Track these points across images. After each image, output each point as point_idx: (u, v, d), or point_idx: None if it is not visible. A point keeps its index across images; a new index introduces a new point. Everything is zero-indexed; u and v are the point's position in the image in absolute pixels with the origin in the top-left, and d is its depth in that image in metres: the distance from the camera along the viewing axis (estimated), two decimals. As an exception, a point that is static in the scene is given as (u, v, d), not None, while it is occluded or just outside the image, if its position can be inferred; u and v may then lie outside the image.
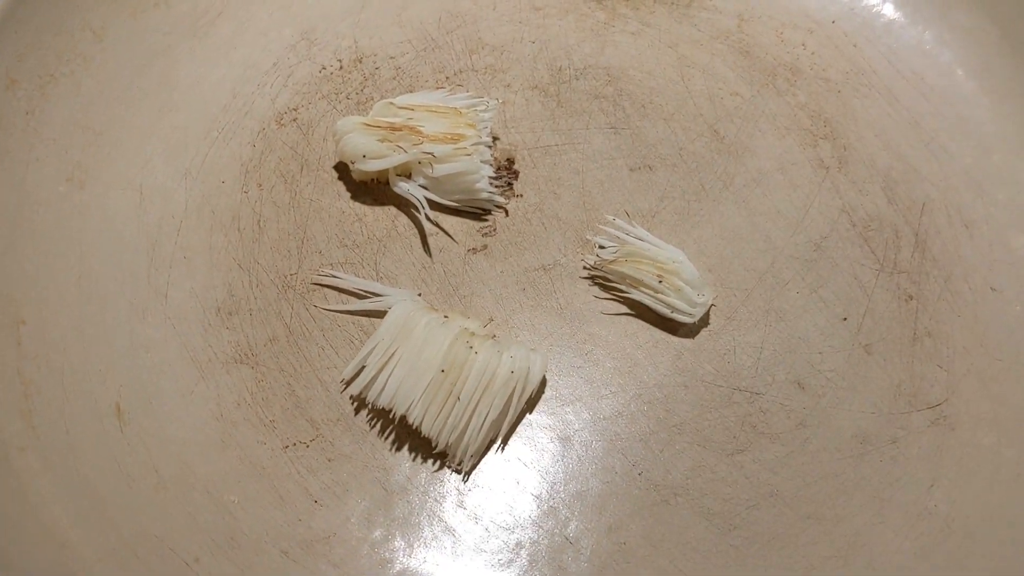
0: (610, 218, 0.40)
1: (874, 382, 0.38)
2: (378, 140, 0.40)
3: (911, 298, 0.40)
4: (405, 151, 0.39)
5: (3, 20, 0.38)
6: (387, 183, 0.41)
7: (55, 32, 0.40)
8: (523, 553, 0.34)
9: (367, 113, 0.42)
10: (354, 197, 0.41)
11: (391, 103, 0.41)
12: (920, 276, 0.40)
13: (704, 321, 0.39)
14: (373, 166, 0.40)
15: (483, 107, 0.41)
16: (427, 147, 0.39)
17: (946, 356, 0.39)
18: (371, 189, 0.41)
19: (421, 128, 0.40)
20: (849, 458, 0.37)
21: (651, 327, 0.39)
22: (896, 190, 0.43)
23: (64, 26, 0.40)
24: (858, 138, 0.44)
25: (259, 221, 0.40)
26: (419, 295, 0.39)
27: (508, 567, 0.34)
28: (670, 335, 0.39)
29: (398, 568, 0.34)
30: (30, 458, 0.32)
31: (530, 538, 0.35)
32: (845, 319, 0.39)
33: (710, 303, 0.38)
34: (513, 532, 0.35)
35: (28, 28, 0.39)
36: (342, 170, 0.42)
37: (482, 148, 0.40)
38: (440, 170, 0.39)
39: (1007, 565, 0.34)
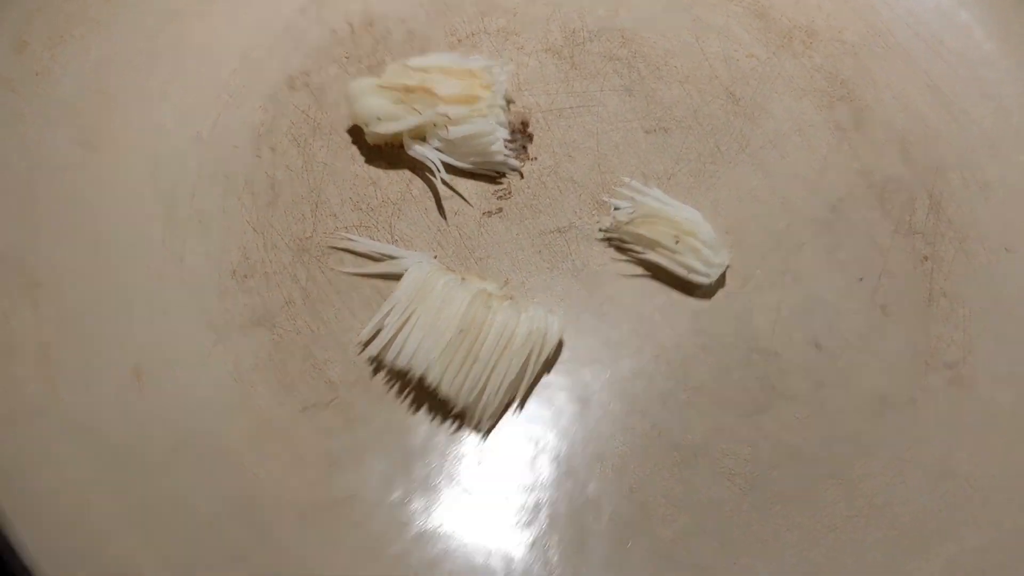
0: (626, 179, 0.40)
1: (891, 342, 0.38)
2: (392, 102, 0.39)
3: (926, 259, 0.40)
4: (420, 113, 0.39)
5: (13, -19, 0.38)
6: (401, 146, 0.41)
7: (65, -6, 0.40)
8: (543, 514, 0.34)
9: (379, 75, 0.42)
10: (368, 160, 0.41)
11: (405, 65, 0.40)
12: (935, 237, 0.40)
13: (721, 282, 0.39)
14: (387, 128, 0.39)
15: (497, 69, 0.41)
16: (442, 108, 0.39)
17: (962, 316, 0.39)
18: (385, 152, 0.41)
19: (436, 89, 0.39)
20: (869, 418, 0.37)
21: (668, 288, 0.39)
22: (912, 152, 0.42)
23: (74, -12, 0.40)
24: (875, 100, 0.44)
25: (272, 185, 0.40)
26: (435, 257, 0.39)
27: (528, 527, 0.34)
28: (687, 296, 0.39)
29: (417, 530, 0.34)
30: (51, 420, 0.32)
31: (550, 498, 0.35)
32: (861, 280, 0.39)
33: (727, 264, 0.38)
34: (533, 492, 0.35)
35: (37, -10, 0.39)
36: (355, 133, 0.41)
37: (497, 110, 0.40)
38: (455, 132, 0.39)
39: (1027, 522, 0.34)
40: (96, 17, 0.40)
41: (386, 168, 0.41)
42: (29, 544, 0.27)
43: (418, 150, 0.40)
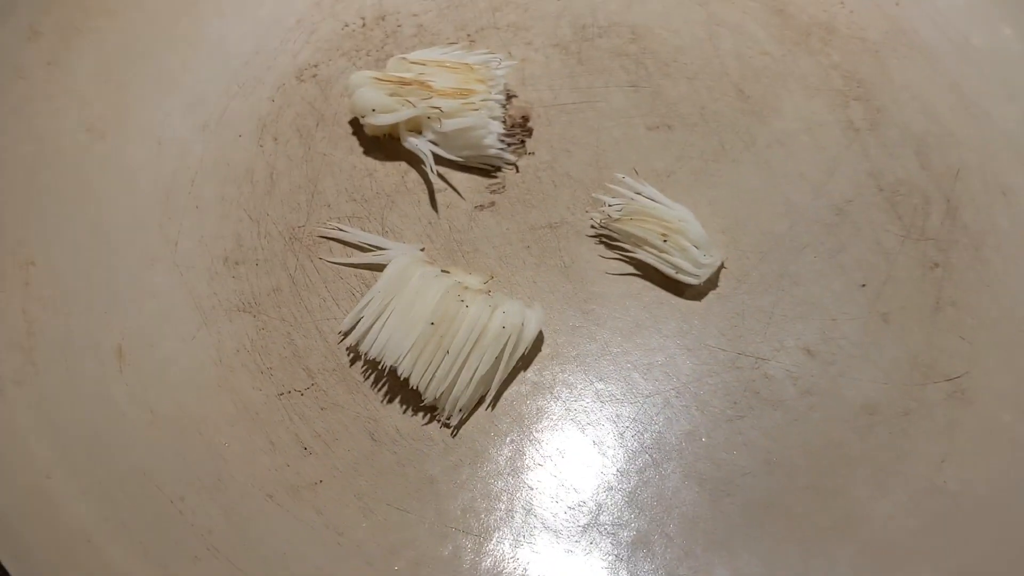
0: (619, 176, 0.39)
1: (889, 351, 0.36)
2: (388, 94, 0.40)
3: (936, 266, 0.38)
4: (414, 105, 0.39)
5: (31, -26, 0.39)
6: (399, 138, 0.41)
7: (82, -14, 0.41)
8: (500, 506, 0.34)
9: (384, 70, 0.42)
10: (367, 152, 0.41)
11: (404, 58, 0.41)
12: (948, 244, 0.38)
13: (712, 283, 0.38)
14: (382, 120, 0.40)
15: (495, 63, 0.41)
16: (436, 101, 0.39)
17: (969, 327, 0.37)
18: (383, 144, 0.41)
19: (431, 83, 0.40)
20: (855, 429, 0.35)
21: (656, 288, 0.38)
22: (930, 154, 0.40)
23: (93, -19, 0.41)
24: (893, 100, 0.42)
25: (272, 174, 0.41)
26: (422, 250, 0.39)
27: (487, 517, 0.34)
28: (676, 297, 0.38)
29: (380, 517, 0.34)
30: (26, 391, 0.33)
31: (510, 490, 0.34)
32: (863, 285, 0.38)
33: (718, 265, 0.37)
34: (495, 485, 0.34)
35: (56, -18, 0.40)
36: (357, 126, 0.42)
37: (492, 104, 0.40)
38: (448, 125, 0.39)
39: (1017, 547, 0.32)
40: (114, 9, 0.42)
41: (384, 160, 0.41)
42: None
43: (412, 142, 0.40)
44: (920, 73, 0.42)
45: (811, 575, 0.32)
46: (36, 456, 0.32)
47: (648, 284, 0.38)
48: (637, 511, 0.34)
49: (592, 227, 0.39)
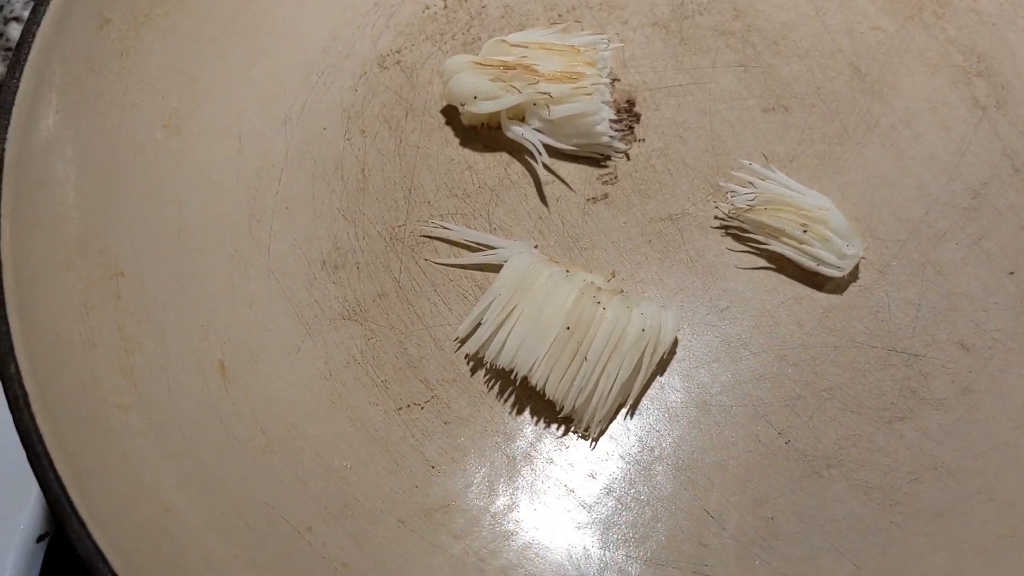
0: (745, 162, 0.36)
1: (1048, 343, 0.34)
2: (490, 80, 0.37)
3: (1087, 249, 0.36)
4: (519, 91, 0.36)
5: (96, -43, 0.36)
6: (499, 127, 0.38)
7: (148, -30, 0.38)
8: (660, 527, 0.31)
9: (475, 53, 0.39)
10: (463, 143, 0.38)
11: (503, 40, 0.38)
12: (1096, 225, 0.36)
13: (853, 275, 0.35)
14: (485, 108, 0.37)
15: (602, 45, 0.38)
16: (543, 87, 0.36)
17: None
18: (481, 134, 0.38)
19: (536, 67, 0.37)
20: (1021, 427, 0.33)
21: (793, 282, 0.35)
22: (1064, 131, 0.38)
23: (157, -36, 0.38)
24: (1017, 75, 0.40)
25: (363, 170, 0.38)
26: (535, 247, 0.36)
27: (643, 543, 0.31)
28: (815, 291, 0.35)
29: (523, 540, 0.31)
30: (132, 417, 0.30)
31: (667, 511, 0.32)
32: (1012, 273, 0.35)
33: (860, 255, 0.35)
34: (648, 505, 0.32)
35: (121, -35, 0.37)
36: (450, 115, 0.39)
37: (602, 88, 0.37)
38: (557, 112, 0.36)
39: None
40: (180, -7, 0.38)
41: (482, 151, 0.38)
42: (110, 552, 0.25)
43: (517, 131, 0.37)
44: (1042, 46, 0.40)
45: (996, 588, 0.30)
46: (151, 488, 0.29)
47: (784, 278, 0.35)
48: (803, 525, 0.31)
49: (717, 218, 0.36)
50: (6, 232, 0.30)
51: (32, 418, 0.26)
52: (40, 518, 0.38)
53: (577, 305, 0.32)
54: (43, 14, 0.34)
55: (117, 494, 0.27)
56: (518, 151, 0.38)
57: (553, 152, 0.37)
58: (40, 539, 0.37)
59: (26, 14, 0.52)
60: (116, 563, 0.25)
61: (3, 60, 0.50)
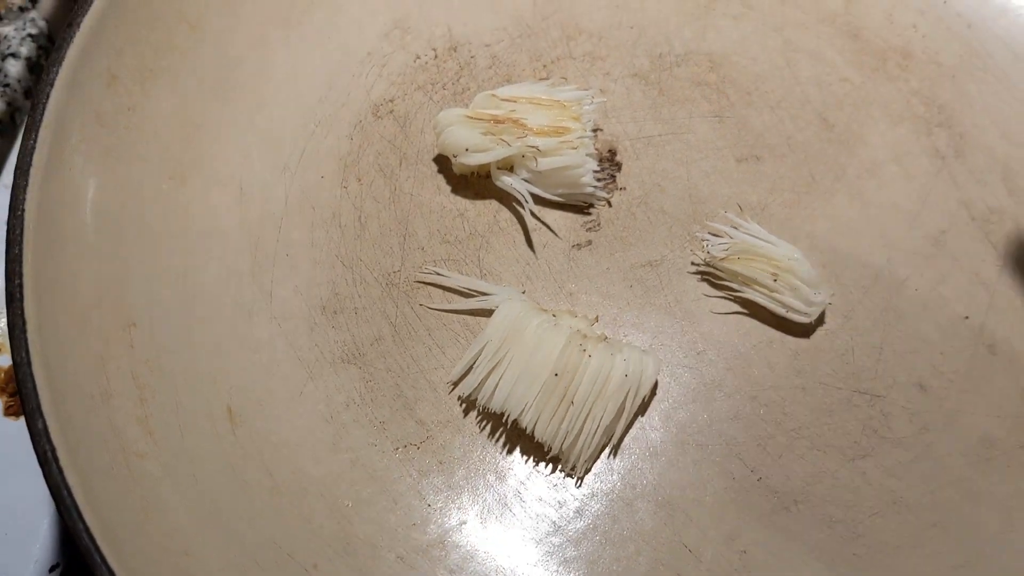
0: (721, 212, 0.39)
1: (999, 384, 0.37)
2: (481, 133, 0.39)
3: (1036, 295, 0.38)
4: (509, 144, 0.38)
5: (102, 15, 0.37)
6: (488, 176, 0.40)
7: (152, 26, 0.39)
8: (641, 560, 0.34)
9: (465, 103, 0.41)
10: (455, 191, 0.41)
11: (493, 95, 0.40)
12: (1045, 272, 0.39)
13: (820, 320, 0.38)
14: (476, 159, 0.39)
15: (587, 100, 0.40)
16: (531, 140, 0.38)
17: (1075, 356, 0.37)
18: (471, 183, 0.41)
19: (525, 121, 0.39)
20: (975, 463, 0.35)
21: (764, 326, 0.38)
22: (1016, 180, 0.41)
23: (160, 19, 0.39)
24: (974, 125, 0.42)
25: (360, 217, 0.40)
26: (523, 292, 0.38)
27: (627, 570, 0.33)
28: (785, 335, 0.38)
29: (515, 574, 0.33)
30: (149, 464, 0.32)
31: (648, 546, 0.34)
32: (967, 318, 0.38)
33: (827, 302, 0.37)
34: (631, 540, 0.34)
35: (125, 22, 0.38)
36: (441, 163, 0.41)
37: (587, 141, 0.39)
38: (544, 164, 0.38)
39: None
40: (182, 47, 0.40)
41: (473, 199, 0.40)
42: (139, 600, 0.27)
43: (506, 181, 0.39)
44: (998, 97, 0.43)
45: (950, 615, 0.33)
46: (171, 533, 0.31)
47: (756, 322, 0.38)
48: (772, 557, 0.34)
49: (693, 263, 0.39)
50: (28, 291, 0.32)
51: (61, 472, 0.28)
52: (52, 549, 0.40)
53: (564, 352, 0.35)
54: (55, 74, 0.36)
55: (142, 541, 0.29)
56: (507, 199, 0.40)
57: (539, 200, 0.40)
58: (52, 569, 0.39)
59: (23, 50, 0.53)
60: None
61: (1, 97, 0.52)
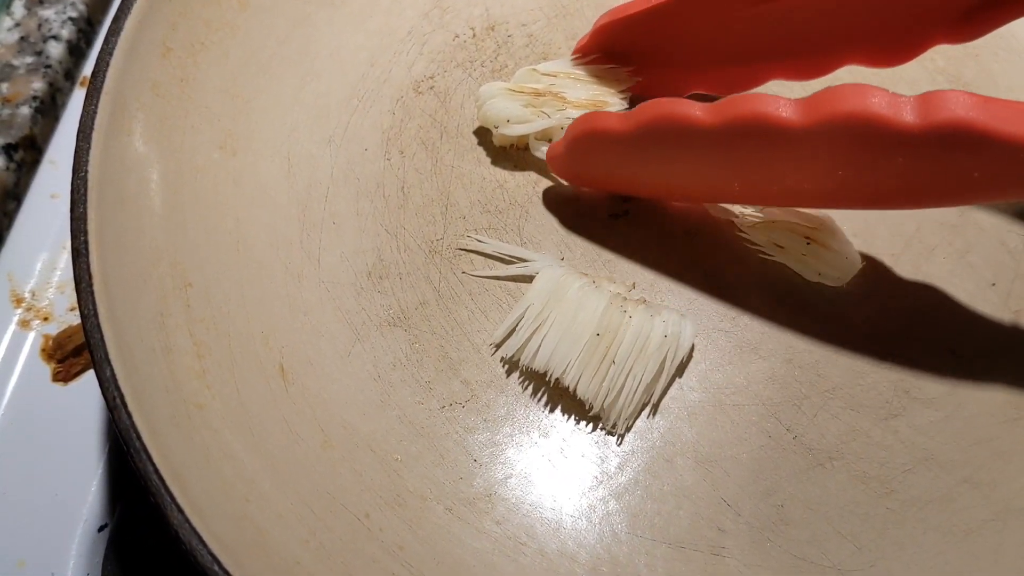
0: (754, 183, 0.40)
1: (1025, 348, 0.38)
2: (522, 105, 0.40)
3: (1061, 263, 0.39)
4: (549, 116, 0.40)
5: (157, -11, 0.39)
6: (527, 148, 0.41)
7: (204, 1, 0.41)
8: (682, 514, 0.35)
9: (504, 80, 0.42)
10: (494, 163, 0.42)
11: (534, 69, 0.41)
12: (1069, 241, 0.40)
13: (851, 286, 0.39)
14: (517, 131, 0.40)
15: (623, 75, 0.41)
16: (571, 113, 0.40)
17: (1100, 321, 0.38)
18: (511, 155, 0.42)
19: (564, 94, 0.40)
20: (1004, 423, 0.36)
21: (798, 291, 0.39)
22: (1040, 155, 0.42)
23: (211, -5, 0.41)
24: (998, 102, 0.43)
25: (403, 187, 0.41)
26: (562, 259, 0.39)
27: (667, 528, 0.35)
28: (818, 299, 0.39)
29: (558, 525, 0.35)
30: (208, 415, 0.33)
31: (688, 500, 0.35)
32: (993, 284, 0.39)
33: (859, 267, 0.38)
34: (671, 494, 0.35)
35: (179, -3, 0.40)
36: (481, 136, 0.42)
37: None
38: None
39: None
40: (232, 21, 0.41)
41: (512, 170, 0.42)
42: (208, 537, 0.28)
43: (545, 151, 0.40)
44: (1021, 76, 0.44)
45: (981, 565, 0.34)
46: (232, 481, 0.32)
47: (790, 287, 0.39)
48: (809, 512, 0.35)
49: (727, 230, 0.40)
50: (93, 248, 0.33)
51: (130, 416, 0.29)
52: (100, 509, 0.41)
53: (606, 313, 0.36)
54: (115, 44, 0.37)
55: (206, 485, 0.30)
56: (545, 171, 0.41)
57: (578, 172, 0.41)
58: (101, 529, 0.40)
59: (64, 33, 0.55)
60: (214, 547, 0.28)
61: (43, 78, 0.53)
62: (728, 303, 0.39)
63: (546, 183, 0.41)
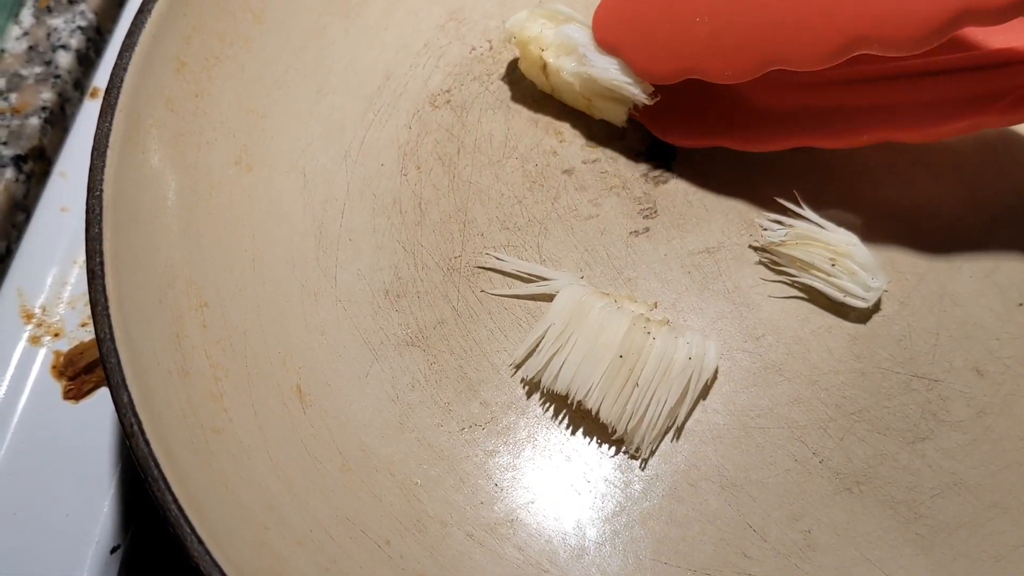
0: (778, 200, 0.39)
1: (1055, 369, 0.37)
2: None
3: (1089, 283, 0.39)
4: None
5: (171, 2, 0.38)
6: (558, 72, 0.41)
7: (218, 15, 0.40)
8: (707, 540, 0.34)
9: (520, 94, 0.42)
10: (512, 179, 0.41)
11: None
12: (1097, 260, 0.39)
13: (877, 306, 0.38)
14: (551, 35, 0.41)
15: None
16: None
17: None
18: (530, 172, 0.41)
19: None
20: (1033, 447, 0.36)
21: (822, 311, 0.38)
22: (1066, 171, 0.41)
23: (226, 8, 0.40)
24: (1023, 117, 0.43)
25: (420, 204, 0.40)
26: (582, 277, 0.39)
27: (692, 555, 0.34)
28: (842, 320, 0.38)
29: (582, 552, 0.34)
30: (226, 440, 0.32)
31: (713, 526, 0.34)
32: (1021, 304, 0.38)
33: (884, 287, 0.38)
34: (696, 520, 0.35)
35: (193, 9, 0.39)
36: (500, 151, 0.42)
37: None
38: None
39: None
40: (247, 35, 0.41)
41: (531, 187, 0.41)
42: (228, 568, 0.28)
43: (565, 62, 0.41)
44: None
45: (1012, 593, 0.33)
46: (250, 508, 0.31)
47: (814, 308, 0.38)
48: (836, 537, 0.34)
49: (751, 248, 0.39)
50: (109, 269, 0.32)
51: (148, 444, 0.29)
52: (113, 529, 0.40)
53: (629, 335, 0.35)
54: (129, 59, 0.36)
55: (224, 512, 0.30)
56: (564, 187, 0.41)
57: (598, 183, 0.40)
58: (113, 550, 0.40)
59: (73, 42, 0.54)
60: (234, 577, 0.27)
61: (52, 88, 0.52)
62: (752, 323, 0.38)
63: (565, 200, 0.41)
